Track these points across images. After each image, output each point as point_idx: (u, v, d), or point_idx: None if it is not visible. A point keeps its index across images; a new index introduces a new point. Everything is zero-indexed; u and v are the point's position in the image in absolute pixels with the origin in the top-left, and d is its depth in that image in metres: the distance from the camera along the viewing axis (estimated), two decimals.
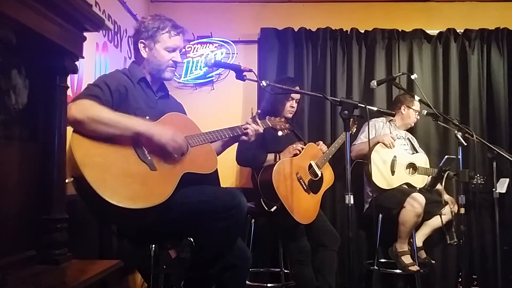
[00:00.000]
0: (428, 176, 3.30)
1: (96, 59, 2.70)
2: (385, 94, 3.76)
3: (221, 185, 2.21)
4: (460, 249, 3.31)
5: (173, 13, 2.97)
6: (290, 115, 3.00)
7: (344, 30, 3.79)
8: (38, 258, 1.20)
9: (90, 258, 2.00)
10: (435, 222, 3.22)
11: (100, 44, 2.74)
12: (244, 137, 2.15)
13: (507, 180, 3.15)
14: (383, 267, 3.32)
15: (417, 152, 3.44)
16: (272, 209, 2.55)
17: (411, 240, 3.18)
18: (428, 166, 3.36)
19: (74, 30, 1.26)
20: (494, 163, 2.82)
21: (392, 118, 3.41)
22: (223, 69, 3.67)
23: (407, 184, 3.29)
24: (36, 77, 1.21)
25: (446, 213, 3.19)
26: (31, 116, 1.20)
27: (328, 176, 2.95)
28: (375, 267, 3.21)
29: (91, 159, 1.61)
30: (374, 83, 2.71)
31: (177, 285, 2.03)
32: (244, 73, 2.05)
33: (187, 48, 3.70)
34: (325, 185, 2.92)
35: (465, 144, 2.60)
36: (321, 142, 3.08)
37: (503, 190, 3.10)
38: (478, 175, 3.16)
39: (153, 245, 1.93)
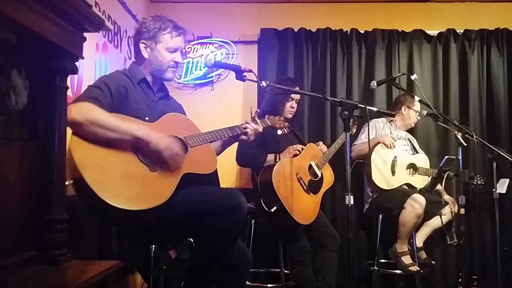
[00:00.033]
0: (429, 176, 3.30)
1: (96, 60, 2.70)
2: (385, 94, 3.76)
3: (221, 186, 2.21)
4: (460, 250, 3.31)
5: (173, 13, 2.97)
6: (290, 116, 3.00)
7: (344, 30, 3.79)
8: (38, 258, 1.20)
9: (90, 258, 2.00)
10: (435, 222, 3.23)
11: (100, 45, 2.74)
12: (243, 137, 2.15)
13: (507, 180, 3.15)
14: (383, 268, 3.33)
15: (417, 152, 3.44)
16: (272, 210, 2.55)
17: (411, 240, 3.19)
18: (428, 167, 3.36)
19: (74, 31, 1.26)
20: (494, 164, 2.82)
21: (392, 118, 3.41)
22: (223, 69, 3.67)
23: (407, 184, 3.29)
24: (36, 77, 1.21)
25: (446, 213, 3.19)
26: (31, 117, 1.20)
27: (328, 176, 2.94)
28: (375, 268, 3.22)
29: (90, 161, 1.61)
30: (374, 83, 2.71)
31: (177, 286, 2.03)
32: (244, 74, 2.05)
33: (187, 48, 3.70)
34: (325, 186, 2.92)
35: (465, 144, 2.59)
36: (321, 143, 3.08)
37: (503, 191, 3.10)
38: (478, 175, 3.16)
39: (153, 246, 1.93)
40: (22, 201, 1.17)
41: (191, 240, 1.86)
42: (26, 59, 1.17)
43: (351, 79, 3.75)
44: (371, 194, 3.27)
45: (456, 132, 2.62)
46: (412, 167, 3.33)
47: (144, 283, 2.69)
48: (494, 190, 2.83)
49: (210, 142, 2.03)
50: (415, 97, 2.85)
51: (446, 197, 3.29)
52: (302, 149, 2.86)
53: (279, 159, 2.79)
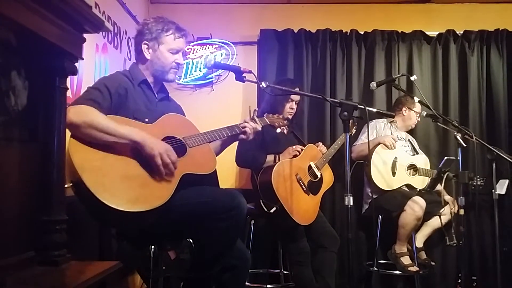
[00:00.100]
0: (429, 177, 3.30)
1: (96, 60, 2.70)
2: (384, 95, 3.76)
3: (221, 186, 2.21)
4: (459, 250, 3.30)
5: (173, 14, 2.97)
6: (289, 117, 3.00)
7: (344, 31, 3.79)
8: (38, 259, 1.20)
9: (90, 259, 1.99)
10: (435, 222, 3.22)
11: (99, 45, 2.74)
12: (242, 136, 2.15)
13: (507, 181, 3.15)
14: (383, 268, 3.32)
15: (417, 153, 3.44)
16: (272, 210, 2.55)
17: (411, 241, 3.18)
18: (428, 168, 3.36)
19: (74, 32, 1.26)
20: (494, 164, 2.82)
21: (392, 119, 3.41)
22: (223, 70, 3.67)
23: (407, 185, 3.29)
24: (36, 78, 1.21)
25: (446, 213, 3.19)
26: (30, 117, 1.20)
27: (327, 177, 2.94)
28: (375, 268, 3.22)
29: (89, 164, 1.61)
30: (373, 84, 2.71)
31: (176, 286, 2.03)
32: (244, 75, 2.05)
33: (187, 49, 3.70)
34: (325, 186, 2.92)
35: (465, 145, 2.60)
36: (320, 143, 3.08)
37: (503, 191, 3.10)
38: (477, 176, 3.16)
39: (153, 246, 1.93)
40: (22, 202, 1.17)
41: (191, 240, 1.86)
42: (26, 59, 1.17)
43: (350, 80, 3.75)
44: (370, 195, 3.27)
45: (455, 133, 2.62)
46: (413, 168, 3.33)
47: (143, 284, 2.69)
48: (493, 191, 2.83)
49: (209, 142, 2.03)
50: (415, 98, 2.85)
51: (447, 197, 3.29)
52: (302, 149, 2.86)
53: (279, 160, 2.79)
